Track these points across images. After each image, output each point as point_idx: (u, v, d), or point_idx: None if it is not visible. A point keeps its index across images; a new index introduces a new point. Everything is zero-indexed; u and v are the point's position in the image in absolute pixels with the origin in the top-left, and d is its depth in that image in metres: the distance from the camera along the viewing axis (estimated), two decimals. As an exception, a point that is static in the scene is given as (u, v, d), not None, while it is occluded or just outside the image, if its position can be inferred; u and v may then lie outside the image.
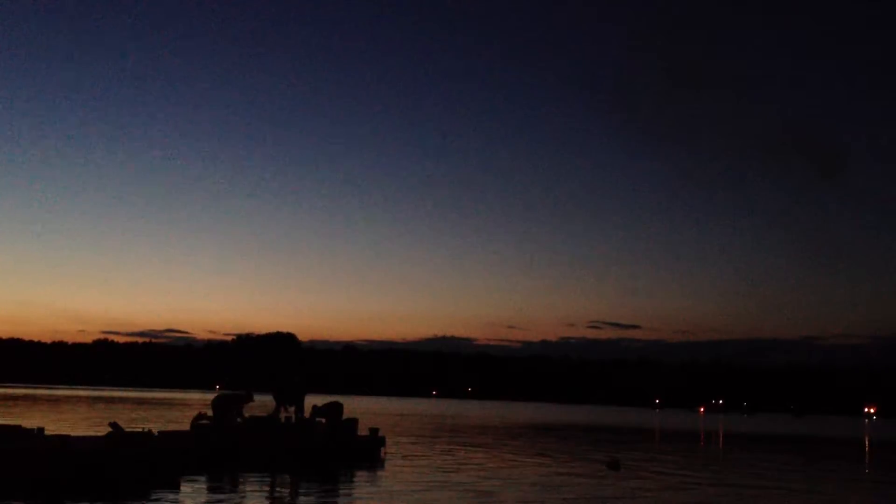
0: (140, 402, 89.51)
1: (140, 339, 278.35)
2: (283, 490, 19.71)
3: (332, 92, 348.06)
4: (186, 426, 26.47)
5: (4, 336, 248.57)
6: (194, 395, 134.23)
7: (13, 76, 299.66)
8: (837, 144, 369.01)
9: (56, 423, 39.34)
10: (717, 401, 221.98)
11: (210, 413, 25.36)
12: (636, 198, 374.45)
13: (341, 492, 19.70)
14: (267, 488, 19.53)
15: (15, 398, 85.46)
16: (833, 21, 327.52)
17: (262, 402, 41.77)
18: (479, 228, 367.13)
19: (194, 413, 27.69)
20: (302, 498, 18.50)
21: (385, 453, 28.40)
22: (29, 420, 40.76)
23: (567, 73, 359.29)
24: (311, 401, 28.45)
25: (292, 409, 27.68)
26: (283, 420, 27.07)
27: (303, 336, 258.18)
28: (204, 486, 19.06)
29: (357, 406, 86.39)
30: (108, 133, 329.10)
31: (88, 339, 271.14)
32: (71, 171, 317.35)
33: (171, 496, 16.95)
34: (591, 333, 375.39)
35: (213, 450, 23.12)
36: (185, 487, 18.19)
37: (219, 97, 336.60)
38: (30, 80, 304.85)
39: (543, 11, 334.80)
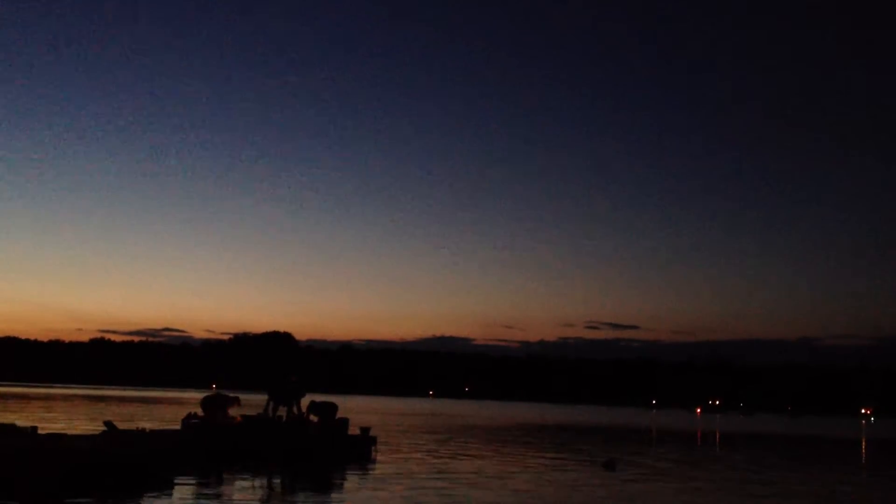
0: (136, 400, 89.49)
1: (137, 338, 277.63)
2: (271, 488, 19.72)
3: (330, 92, 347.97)
4: (178, 425, 26.56)
5: (1, 334, 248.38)
6: (191, 394, 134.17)
7: (13, 76, 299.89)
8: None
9: (51, 422, 39.33)
10: (714, 401, 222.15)
11: (200, 413, 25.56)
12: (634, 199, 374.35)
13: (332, 490, 19.74)
14: (257, 486, 19.54)
15: (11, 397, 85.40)
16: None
17: (261, 401, 41.69)
18: (477, 228, 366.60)
19: (186, 412, 27.75)
20: (290, 496, 18.52)
21: (376, 452, 28.41)
22: (24, 418, 40.78)
23: (561, 73, 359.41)
24: (308, 400, 28.44)
25: (284, 408, 27.68)
26: (274, 419, 27.11)
27: (300, 335, 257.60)
28: (195, 483, 19.07)
29: (354, 406, 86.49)
30: (104, 132, 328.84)
31: (85, 337, 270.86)
32: (68, 170, 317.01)
33: (164, 494, 16.95)
34: (589, 334, 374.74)
35: (203, 448, 23.18)
36: (177, 485, 18.19)
37: (216, 98, 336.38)
38: (27, 79, 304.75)
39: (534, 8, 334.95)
